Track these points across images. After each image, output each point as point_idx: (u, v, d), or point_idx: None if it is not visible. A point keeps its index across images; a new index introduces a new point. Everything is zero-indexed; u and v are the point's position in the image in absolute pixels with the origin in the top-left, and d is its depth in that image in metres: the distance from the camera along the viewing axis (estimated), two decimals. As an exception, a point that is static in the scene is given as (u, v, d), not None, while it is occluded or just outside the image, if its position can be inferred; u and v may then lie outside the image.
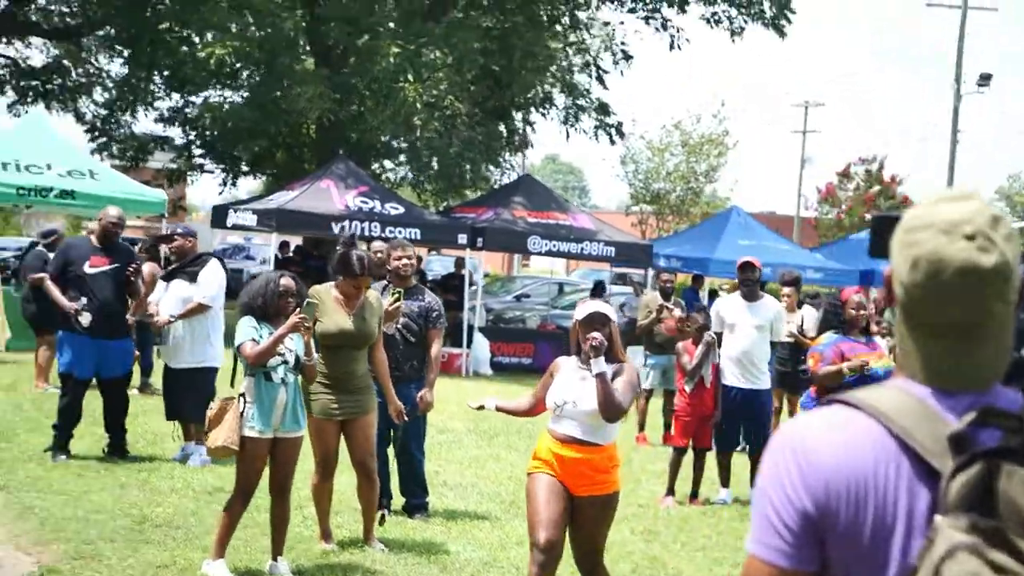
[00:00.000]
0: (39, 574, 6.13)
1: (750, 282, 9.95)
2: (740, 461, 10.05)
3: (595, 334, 5.46)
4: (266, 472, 6.42)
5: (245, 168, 27.21)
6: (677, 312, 12.68)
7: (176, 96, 26.52)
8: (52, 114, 27.70)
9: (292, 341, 6.37)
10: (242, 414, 6.28)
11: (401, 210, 19.57)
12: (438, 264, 31.98)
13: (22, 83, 28.58)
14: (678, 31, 26.33)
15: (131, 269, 9.62)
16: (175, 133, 26.98)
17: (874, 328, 8.71)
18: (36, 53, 29.82)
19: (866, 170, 43.21)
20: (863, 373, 7.62)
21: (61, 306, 9.46)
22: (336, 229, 18.42)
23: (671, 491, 9.54)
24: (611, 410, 5.42)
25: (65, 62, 29.11)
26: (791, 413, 12.38)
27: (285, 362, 6.35)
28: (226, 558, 6.34)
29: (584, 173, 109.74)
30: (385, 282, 8.10)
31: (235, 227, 20.77)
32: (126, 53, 26.21)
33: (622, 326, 12.06)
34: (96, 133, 26.89)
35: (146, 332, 12.55)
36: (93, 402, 9.69)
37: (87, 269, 9.52)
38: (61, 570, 6.20)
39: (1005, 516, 1.57)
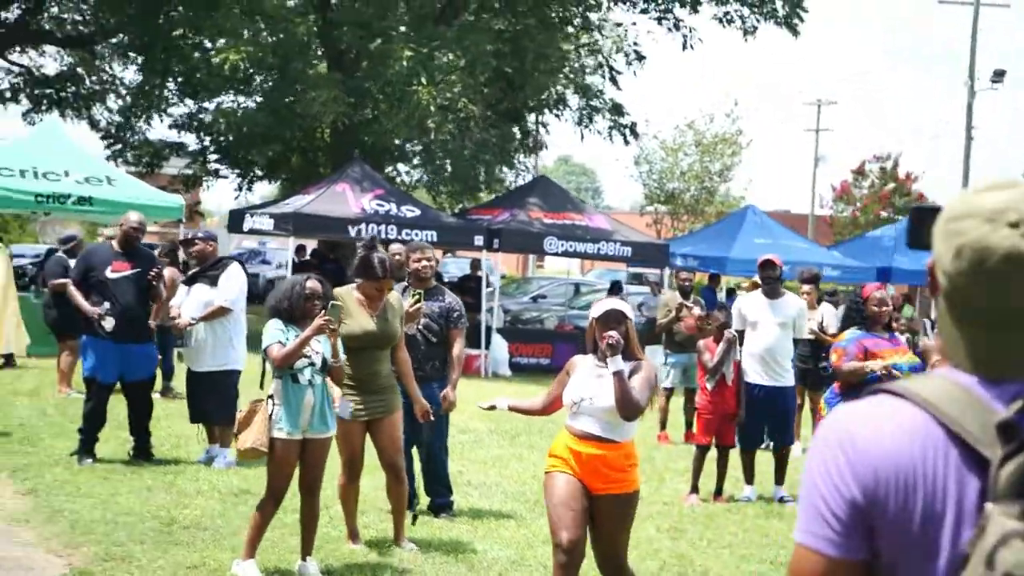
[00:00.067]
0: (71, 576, 6.20)
1: (771, 279, 9.96)
2: (764, 459, 10.06)
3: (611, 332, 5.45)
4: (295, 472, 6.46)
5: (260, 173, 27.28)
6: (696, 310, 12.70)
7: (190, 102, 26.63)
8: (66, 122, 27.84)
9: (319, 343, 6.41)
10: (271, 416, 6.32)
11: (417, 212, 19.62)
12: (454, 266, 32.02)
13: (36, 91, 28.70)
14: (691, 31, 26.33)
15: (152, 273, 9.68)
16: (189, 139, 27.10)
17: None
18: (50, 61, 30.00)
19: (881, 168, 43.15)
20: (888, 373, 7.65)
21: (84, 311, 9.52)
22: (353, 232, 18.48)
23: (695, 489, 9.56)
24: (629, 408, 5.42)
25: (79, 70, 29.25)
26: (813, 410, 12.38)
27: (312, 364, 6.39)
28: (256, 558, 6.38)
29: (597, 174, 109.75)
30: (405, 284, 8.13)
31: (252, 231, 20.84)
32: (139, 60, 26.32)
33: (640, 326, 12.10)
34: (111, 140, 27.01)
35: (166, 336, 12.62)
36: (116, 406, 9.75)
37: (109, 274, 9.59)
38: (93, 572, 6.25)
39: None
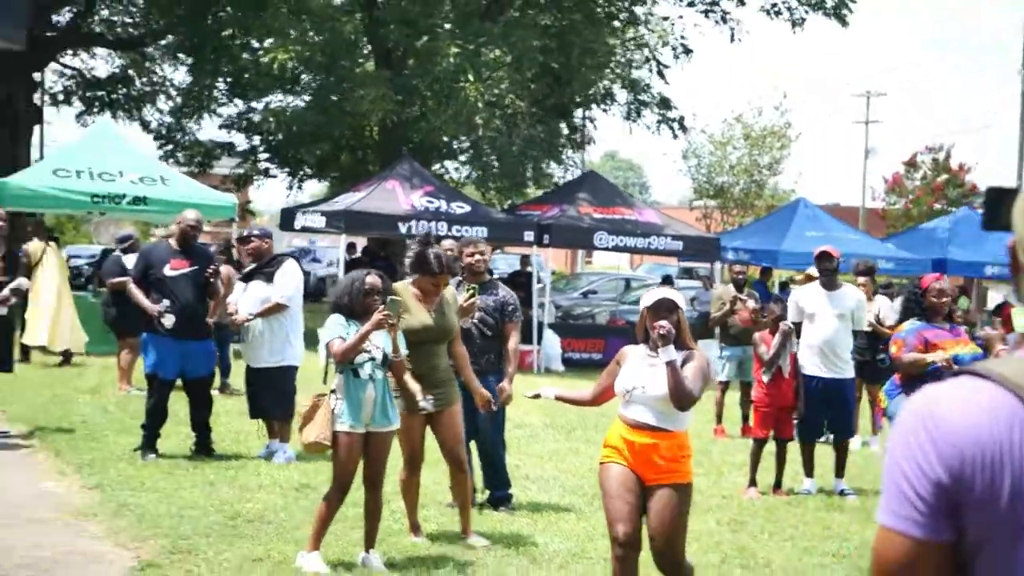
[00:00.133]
0: (140, 568, 6.26)
1: (829, 271, 9.89)
2: (822, 452, 9.99)
3: (663, 322, 5.39)
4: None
5: (309, 171, 27.46)
6: (751, 303, 12.64)
7: (239, 102, 26.87)
8: (118, 123, 28.18)
9: (379, 338, 6.44)
10: (333, 410, 6.37)
11: (467, 209, 19.66)
12: (503, 262, 32.07)
13: (88, 94, 29.11)
14: (738, 23, 26.21)
15: (210, 271, 9.78)
16: (238, 139, 27.34)
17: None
18: (101, 64, 30.39)
19: (933, 159, 42.69)
20: (949, 364, 7.58)
21: (145, 309, 9.63)
22: (403, 229, 18.57)
23: (753, 482, 9.50)
24: (682, 398, 5.37)
25: (130, 72, 29.60)
26: (871, 403, 12.29)
27: (372, 359, 6.42)
28: (320, 550, 6.44)
29: (643, 169, 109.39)
30: (459, 278, 8.16)
31: (304, 229, 20.99)
32: (189, 61, 26.59)
33: (693, 320, 12.06)
34: (162, 140, 27.32)
35: (223, 332, 12.74)
36: (176, 402, 9.87)
37: (168, 272, 9.69)
38: (161, 564, 6.33)
39: None
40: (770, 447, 9.59)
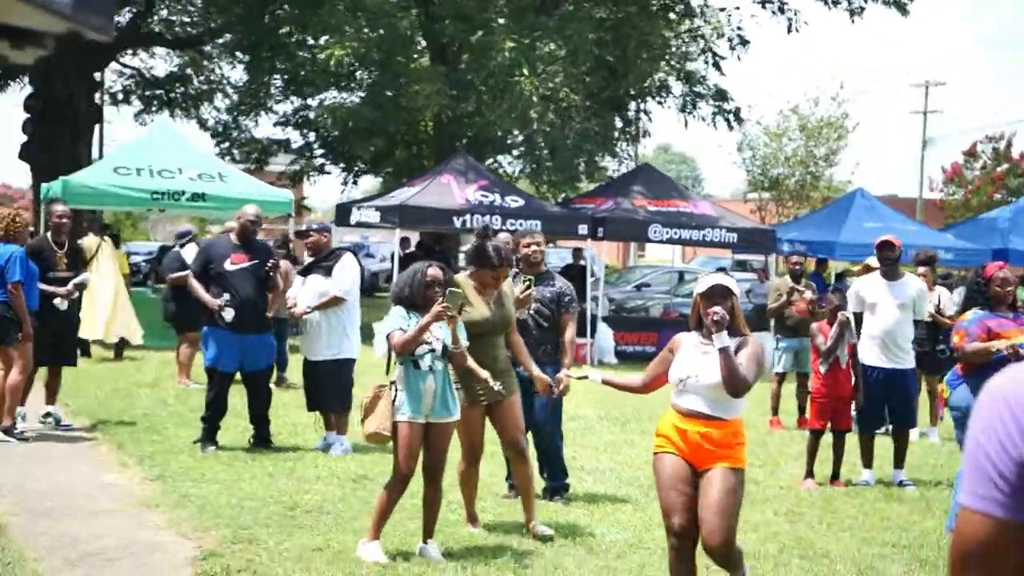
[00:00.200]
0: (201, 557, 6.35)
1: (890, 261, 9.79)
2: (880, 443, 9.89)
3: (716, 308, 5.35)
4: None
5: (364, 166, 27.60)
6: (808, 294, 12.55)
7: (294, 99, 27.08)
8: (176, 121, 28.55)
9: (439, 329, 6.47)
10: (393, 401, 6.41)
11: (521, 202, 19.67)
12: (555, 256, 32.03)
13: (147, 92, 29.52)
14: (795, 14, 25.97)
15: (269, 265, 9.88)
16: (293, 135, 27.55)
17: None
18: (160, 63, 30.78)
19: (993, 148, 42.07)
20: (1015, 353, 7.47)
21: (206, 303, 9.75)
22: (458, 223, 18.63)
23: (810, 474, 9.44)
24: (736, 384, 5.33)
25: (187, 71, 29.95)
26: (930, 394, 12.15)
27: (432, 350, 6.45)
28: (380, 540, 6.48)
29: (696, 162, 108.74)
30: (515, 270, 8.17)
31: (359, 224, 21.10)
32: (246, 59, 26.84)
33: (747, 312, 11.98)
34: (219, 138, 27.62)
35: (281, 326, 12.86)
36: (234, 396, 9.97)
37: (228, 266, 9.80)
38: (222, 553, 6.41)
39: None
40: (827, 438, 9.51)
